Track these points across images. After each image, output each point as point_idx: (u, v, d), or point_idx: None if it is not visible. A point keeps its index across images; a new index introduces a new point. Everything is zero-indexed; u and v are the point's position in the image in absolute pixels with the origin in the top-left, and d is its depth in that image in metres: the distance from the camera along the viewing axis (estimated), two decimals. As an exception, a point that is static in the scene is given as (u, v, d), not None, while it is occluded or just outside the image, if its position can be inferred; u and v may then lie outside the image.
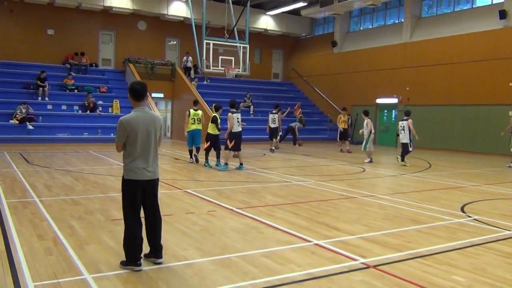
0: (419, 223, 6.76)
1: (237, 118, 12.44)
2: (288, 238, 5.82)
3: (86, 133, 19.89)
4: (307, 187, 9.98)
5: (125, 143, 4.60)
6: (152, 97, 22.48)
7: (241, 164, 12.64)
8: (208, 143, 12.71)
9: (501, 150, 17.60)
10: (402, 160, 14.38)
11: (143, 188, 4.61)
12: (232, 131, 12.36)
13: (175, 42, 27.82)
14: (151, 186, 4.69)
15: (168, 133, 26.94)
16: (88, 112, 20.84)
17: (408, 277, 4.45)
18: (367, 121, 15.24)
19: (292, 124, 21.80)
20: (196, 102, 14.33)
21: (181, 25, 26.40)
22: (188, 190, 9.06)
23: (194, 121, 13.44)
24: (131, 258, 4.49)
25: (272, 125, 18.36)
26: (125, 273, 4.39)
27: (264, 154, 17.27)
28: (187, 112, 13.60)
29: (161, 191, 8.99)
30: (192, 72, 25.50)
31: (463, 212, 7.66)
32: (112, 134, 20.20)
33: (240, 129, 12.65)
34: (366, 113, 15.77)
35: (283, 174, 12.00)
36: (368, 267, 4.76)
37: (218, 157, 12.82)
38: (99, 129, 20.22)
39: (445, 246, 5.59)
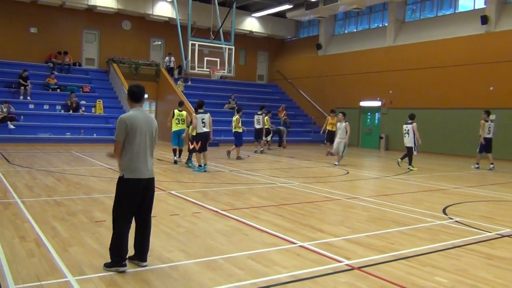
0: (402, 225, 6.83)
1: (202, 119, 12.30)
2: (273, 240, 5.83)
3: (69, 133, 19.63)
4: (292, 189, 10.02)
5: (124, 142, 4.59)
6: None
7: (204, 165, 12.44)
8: (193, 144, 12.69)
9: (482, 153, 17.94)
10: (402, 159, 14.46)
11: (143, 187, 4.63)
12: (197, 132, 12.27)
13: (159, 43, 27.66)
14: (150, 185, 4.73)
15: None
16: (70, 112, 20.59)
17: (392, 279, 4.50)
18: (346, 124, 14.61)
19: (281, 128, 21.90)
20: (181, 104, 14.51)
21: (166, 25, 26.28)
22: (172, 192, 9.01)
23: (179, 121, 13.75)
24: (118, 259, 4.47)
25: (257, 126, 18.38)
26: (109, 276, 4.34)
27: (249, 156, 17.26)
28: (172, 112, 13.91)
29: (145, 193, 8.95)
30: (175, 72, 25.36)
31: (445, 214, 7.77)
32: (95, 134, 20.03)
33: (205, 130, 12.29)
34: (345, 115, 15.12)
35: (268, 176, 12.02)
36: (352, 268, 4.79)
37: (190, 157, 13.12)
38: (82, 129, 19.98)
39: (427, 247, 5.67)
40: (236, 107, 17.30)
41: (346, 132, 14.61)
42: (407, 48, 22.44)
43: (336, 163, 14.89)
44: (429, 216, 7.50)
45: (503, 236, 6.36)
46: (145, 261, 4.66)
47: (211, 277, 4.41)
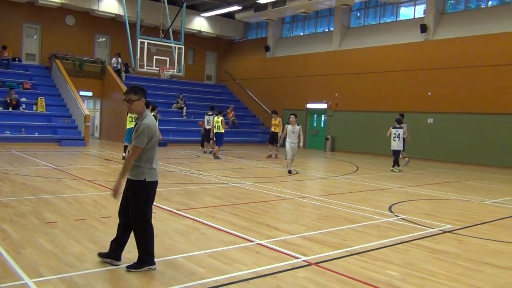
0: (353, 222, 7.14)
1: (130, 117, 12.76)
2: (231, 238, 5.92)
3: (8, 132, 18.68)
4: (245, 188, 10.15)
5: (146, 146, 4.55)
6: (80, 96, 21.63)
7: None
8: None
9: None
10: (394, 166, 14.93)
11: None
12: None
13: (104, 39, 26.93)
14: None
15: (96, 133, 26.02)
16: (10, 109, 19.61)
17: (348, 273, 4.72)
18: (299, 128, 13.22)
19: None
20: (134, 102, 14.54)
21: (112, 22, 25.63)
22: (125, 192, 8.86)
23: (132, 119, 13.92)
24: (150, 258, 4.61)
25: (207, 127, 18.36)
26: (68, 277, 4.26)
27: (198, 156, 17.23)
28: (127, 111, 13.95)
29: (97, 193, 8.78)
30: (123, 74, 24.55)
31: (391, 212, 8.19)
32: (36, 133, 19.23)
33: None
34: (296, 117, 13.48)
35: (220, 176, 12.08)
36: (310, 264, 4.98)
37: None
38: (23, 128, 19.07)
39: (378, 243, 5.98)
40: (218, 110, 17.69)
41: (300, 136, 13.15)
42: (352, 53, 23.25)
43: (290, 169, 13.30)
44: (377, 214, 7.88)
45: (445, 232, 6.81)
46: (120, 259, 4.71)
47: (173, 276, 4.44)
